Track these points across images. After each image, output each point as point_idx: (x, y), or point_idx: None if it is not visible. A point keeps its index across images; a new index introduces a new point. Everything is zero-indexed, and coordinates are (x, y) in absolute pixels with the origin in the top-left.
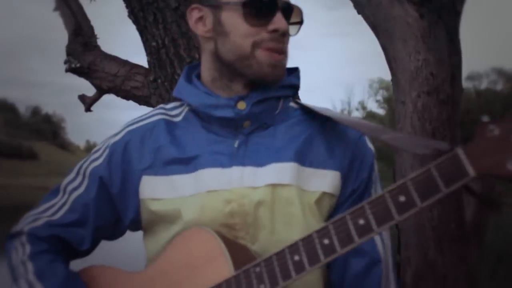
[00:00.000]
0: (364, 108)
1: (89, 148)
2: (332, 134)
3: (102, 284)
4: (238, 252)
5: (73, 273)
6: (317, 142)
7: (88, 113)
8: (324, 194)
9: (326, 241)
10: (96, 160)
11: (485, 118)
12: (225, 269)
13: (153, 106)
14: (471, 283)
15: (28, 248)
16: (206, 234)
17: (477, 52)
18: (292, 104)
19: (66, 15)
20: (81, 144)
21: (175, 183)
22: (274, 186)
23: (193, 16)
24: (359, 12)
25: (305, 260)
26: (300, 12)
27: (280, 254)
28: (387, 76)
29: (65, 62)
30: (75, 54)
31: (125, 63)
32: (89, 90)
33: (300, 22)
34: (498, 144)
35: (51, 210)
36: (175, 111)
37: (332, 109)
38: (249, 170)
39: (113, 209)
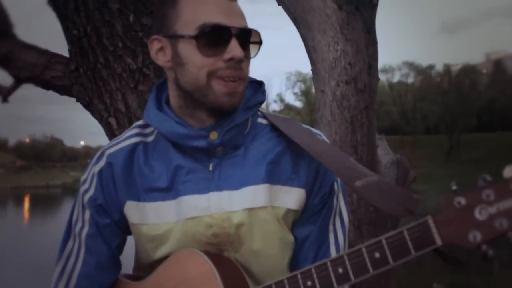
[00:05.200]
0: (282, 100)
1: (0, 144)
2: (298, 151)
3: None
4: (229, 275)
5: None
6: (284, 159)
7: None
8: (288, 210)
9: (309, 283)
10: (88, 191)
11: (454, 186)
12: None
13: (74, 96)
14: None
15: None
16: (200, 258)
17: (390, 47)
18: (260, 120)
19: None
20: None
21: (160, 210)
22: (250, 209)
23: (153, 47)
24: (279, 4)
25: None
26: (258, 34)
27: None
28: (304, 69)
29: None
30: None
31: (45, 52)
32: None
33: (259, 43)
34: (462, 216)
35: (72, 260)
36: (149, 129)
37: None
38: (226, 195)
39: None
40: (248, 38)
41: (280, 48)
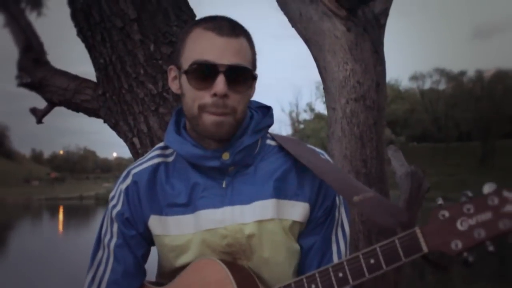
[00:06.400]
0: (312, 109)
1: (35, 157)
2: (303, 169)
3: None
4: (243, 281)
5: None
6: (290, 176)
7: (32, 121)
8: (294, 222)
9: (313, 286)
10: (116, 206)
11: (440, 201)
12: None
13: (102, 118)
14: (398, 272)
15: None
16: (217, 265)
17: (420, 53)
18: (269, 141)
19: (16, 31)
20: (27, 153)
21: (180, 223)
22: (260, 221)
23: (170, 75)
24: (292, 26)
25: None
26: (248, 70)
27: None
28: None
29: (17, 77)
30: (26, 70)
31: (75, 78)
32: (33, 97)
33: (252, 78)
34: (446, 227)
35: (101, 268)
36: (169, 150)
37: (281, 111)
38: (238, 209)
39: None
40: (239, 74)
41: (310, 58)
